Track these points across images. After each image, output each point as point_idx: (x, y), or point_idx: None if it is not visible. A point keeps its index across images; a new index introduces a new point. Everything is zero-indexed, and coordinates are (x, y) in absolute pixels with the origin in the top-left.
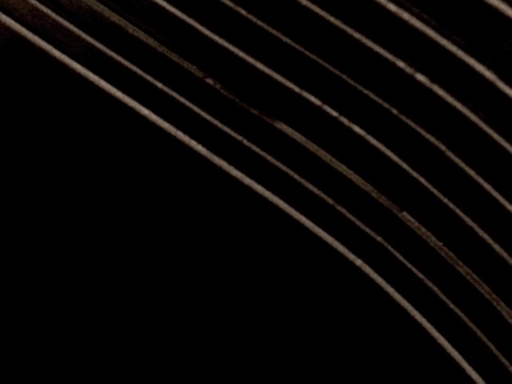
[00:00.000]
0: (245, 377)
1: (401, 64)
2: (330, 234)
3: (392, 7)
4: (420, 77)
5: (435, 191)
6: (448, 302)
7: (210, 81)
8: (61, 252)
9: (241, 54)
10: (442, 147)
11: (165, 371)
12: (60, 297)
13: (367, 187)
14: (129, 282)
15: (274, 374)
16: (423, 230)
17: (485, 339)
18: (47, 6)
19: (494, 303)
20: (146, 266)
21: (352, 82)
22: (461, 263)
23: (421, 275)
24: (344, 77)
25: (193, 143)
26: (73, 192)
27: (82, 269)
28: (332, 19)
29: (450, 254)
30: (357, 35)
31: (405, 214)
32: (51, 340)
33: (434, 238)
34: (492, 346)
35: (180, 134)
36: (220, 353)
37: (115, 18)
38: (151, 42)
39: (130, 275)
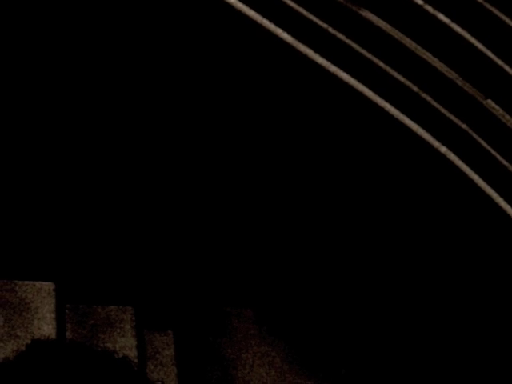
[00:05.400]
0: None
1: None
2: (415, 121)
3: None
4: None
5: None
6: None
7: None
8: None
9: None
10: None
11: None
12: None
13: (452, 75)
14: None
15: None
16: (508, 117)
17: None
18: None
19: None
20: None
21: None
22: None
23: (505, 162)
24: None
25: (279, 31)
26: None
27: None
28: None
29: None
30: None
31: (489, 101)
32: None
33: None
34: None
35: (266, 22)
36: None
37: None
38: None
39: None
